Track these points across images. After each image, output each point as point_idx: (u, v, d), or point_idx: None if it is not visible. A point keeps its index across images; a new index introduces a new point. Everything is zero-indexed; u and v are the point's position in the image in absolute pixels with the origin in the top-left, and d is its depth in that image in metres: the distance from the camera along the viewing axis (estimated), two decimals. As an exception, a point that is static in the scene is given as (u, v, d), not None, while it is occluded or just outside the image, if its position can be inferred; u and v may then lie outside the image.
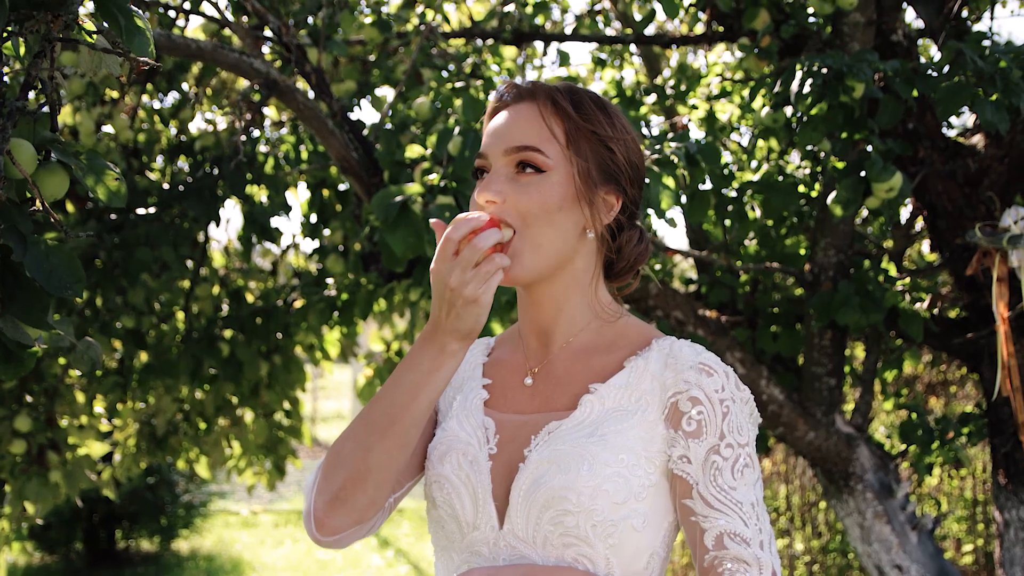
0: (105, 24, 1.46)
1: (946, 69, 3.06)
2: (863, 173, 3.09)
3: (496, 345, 1.71)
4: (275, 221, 4.73)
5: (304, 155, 4.40)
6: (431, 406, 1.47)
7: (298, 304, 4.49)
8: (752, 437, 1.46)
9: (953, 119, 3.50)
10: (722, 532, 1.40)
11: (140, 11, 1.49)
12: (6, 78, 1.45)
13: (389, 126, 3.44)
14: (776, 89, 3.18)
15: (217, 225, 4.18)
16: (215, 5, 3.25)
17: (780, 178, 3.55)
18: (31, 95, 1.49)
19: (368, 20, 3.99)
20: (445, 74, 4.04)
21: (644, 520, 1.44)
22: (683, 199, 3.08)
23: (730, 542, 1.39)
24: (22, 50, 1.49)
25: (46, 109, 1.51)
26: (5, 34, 1.42)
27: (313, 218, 4.41)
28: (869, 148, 3.11)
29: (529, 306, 1.59)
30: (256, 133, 4.33)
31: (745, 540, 1.39)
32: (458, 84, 3.49)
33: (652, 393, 1.47)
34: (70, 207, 4.14)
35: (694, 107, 4.27)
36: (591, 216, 1.52)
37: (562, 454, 1.45)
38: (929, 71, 3.09)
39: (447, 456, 1.54)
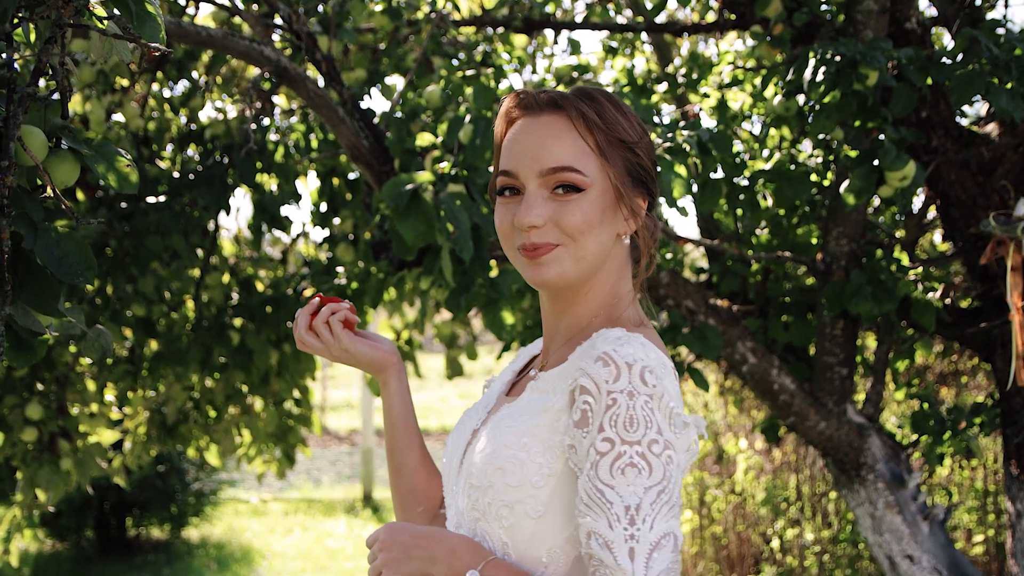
0: (116, 10, 1.45)
1: (960, 57, 3.04)
2: (876, 162, 3.07)
3: None
4: (285, 210, 4.73)
5: (314, 143, 4.39)
6: (401, 430, 1.80)
7: (308, 293, 4.49)
8: (653, 436, 1.36)
9: (967, 107, 3.47)
10: (589, 530, 1.36)
11: (151, -3, 1.48)
12: (17, 64, 1.44)
13: (399, 114, 3.43)
14: (788, 77, 3.17)
15: (227, 214, 4.17)
16: (225, -7, 3.24)
17: (792, 167, 3.53)
18: (41, 82, 1.49)
19: (378, 8, 3.98)
20: (456, 62, 4.03)
21: (543, 509, 1.44)
22: (695, 188, 3.07)
23: (594, 542, 1.35)
24: (32, 36, 1.48)
25: (57, 96, 1.51)
26: (16, 20, 1.41)
27: (323, 207, 4.41)
28: (882, 137, 3.09)
29: (547, 304, 1.62)
30: (266, 121, 4.32)
31: (607, 543, 1.33)
32: (469, 72, 3.48)
33: (564, 381, 1.46)
34: (80, 195, 4.13)
35: (705, 96, 4.25)
36: (628, 222, 1.54)
37: (486, 432, 1.54)
38: (943, 59, 3.07)
39: (459, 425, 1.69)
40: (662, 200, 2.70)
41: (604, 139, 1.50)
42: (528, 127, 1.53)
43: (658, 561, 1.32)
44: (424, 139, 3.14)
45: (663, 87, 4.44)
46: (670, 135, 2.78)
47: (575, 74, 4.47)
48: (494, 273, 3.28)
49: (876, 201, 3.82)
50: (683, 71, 4.46)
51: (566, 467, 1.43)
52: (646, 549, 1.32)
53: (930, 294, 3.54)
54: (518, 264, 1.54)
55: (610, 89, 3.12)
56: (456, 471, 1.60)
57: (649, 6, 4.81)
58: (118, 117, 4.20)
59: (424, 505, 1.80)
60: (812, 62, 3.01)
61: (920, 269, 3.57)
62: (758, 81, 4.07)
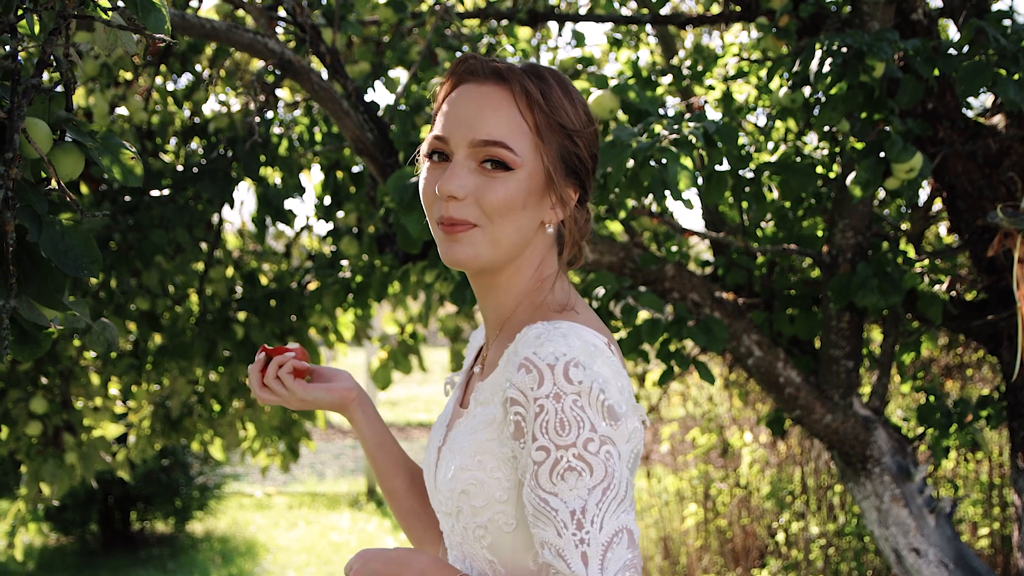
0: (120, 1, 1.45)
1: (966, 48, 3.02)
2: (882, 154, 3.06)
3: None
4: (289, 203, 4.72)
5: (318, 136, 4.38)
6: (381, 460, 1.79)
7: (312, 286, 4.48)
8: (588, 435, 1.32)
9: (973, 99, 3.46)
10: (541, 540, 1.33)
11: (155, -12, 1.47)
12: (20, 56, 1.44)
13: (404, 107, 3.42)
14: (794, 69, 3.15)
15: (231, 207, 4.17)
16: (229, -15, 3.23)
17: (798, 159, 3.52)
18: (45, 74, 1.48)
19: (382, 0, 3.97)
20: (459, 55, 4.02)
21: (515, 521, 1.42)
22: (700, 180, 3.06)
23: (547, 552, 1.32)
24: (37, 28, 1.47)
25: (61, 88, 1.50)
26: (20, 11, 1.41)
27: (327, 200, 4.40)
28: (888, 128, 3.08)
29: (477, 293, 1.58)
30: (270, 114, 4.31)
31: (559, 552, 1.30)
32: (473, 65, 3.46)
33: (497, 392, 1.44)
34: (84, 189, 4.13)
35: (711, 88, 4.24)
36: (552, 212, 1.50)
37: (445, 455, 1.52)
38: (950, 50, 3.06)
39: (428, 444, 1.66)
40: (667, 192, 2.69)
41: (544, 121, 1.45)
42: (469, 93, 1.48)
43: (613, 560, 1.29)
44: (428, 132, 3.13)
45: (668, 79, 4.42)
46: (675, 127, 2.77)
47: (579, 66, 4.46)
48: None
49: (882, 193, 3.80)
50: (688, 63, 4.44)
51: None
52: (599, 551, 1.29)
53: (936, 286, 3.53)
54: (436, 238, 1.49)
55: (614, 82, 3.10)
56: (433, 494, 1.59)
57: (653, -2, 4.79)
58: (122, 110, 4.20)
59: (425, 523, 1.79)
60: (818, 53, 3.00)
61: (926, 261, 3.55)
62: (763, 73, 4.05)
